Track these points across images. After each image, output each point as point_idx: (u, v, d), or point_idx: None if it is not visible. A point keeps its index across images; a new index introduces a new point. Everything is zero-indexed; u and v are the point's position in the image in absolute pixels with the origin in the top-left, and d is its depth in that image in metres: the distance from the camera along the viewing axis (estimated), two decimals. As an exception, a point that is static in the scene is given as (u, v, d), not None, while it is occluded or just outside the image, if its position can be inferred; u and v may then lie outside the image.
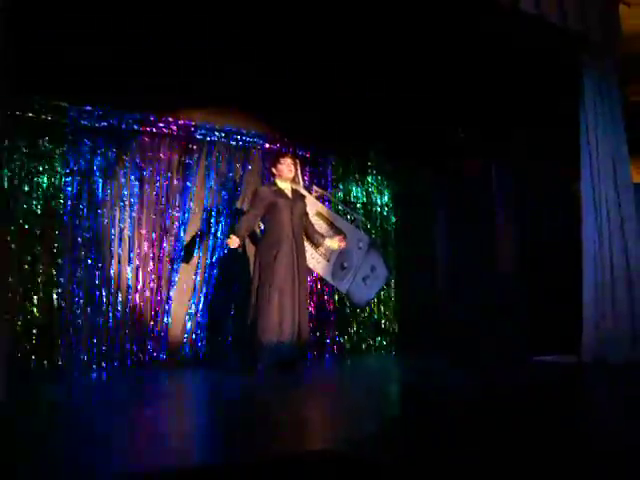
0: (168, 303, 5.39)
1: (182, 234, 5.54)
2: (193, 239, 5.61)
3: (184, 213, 5.57)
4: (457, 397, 3.38)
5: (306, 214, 4.87)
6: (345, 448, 2.04)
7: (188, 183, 5.62)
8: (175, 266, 5.47)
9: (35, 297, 4.82)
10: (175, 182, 5.57)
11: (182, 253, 5.53)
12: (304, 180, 6.12)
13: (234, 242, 4.41)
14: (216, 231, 5.72)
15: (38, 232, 4.88)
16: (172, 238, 5.49)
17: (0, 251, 2.87)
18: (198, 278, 5.58)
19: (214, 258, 5.67)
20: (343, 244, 5.00)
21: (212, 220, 5.72)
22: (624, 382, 3.99)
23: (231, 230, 4.58)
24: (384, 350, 6.64)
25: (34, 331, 4.76)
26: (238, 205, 5.87)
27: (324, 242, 4.91)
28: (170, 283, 5.42)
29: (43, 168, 4.98)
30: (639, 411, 2.84)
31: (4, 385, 2.78)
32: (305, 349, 4.55)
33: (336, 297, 6.43)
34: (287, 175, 4.67)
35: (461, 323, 6.14)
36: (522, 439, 2.23)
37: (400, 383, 4.57)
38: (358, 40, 5.10)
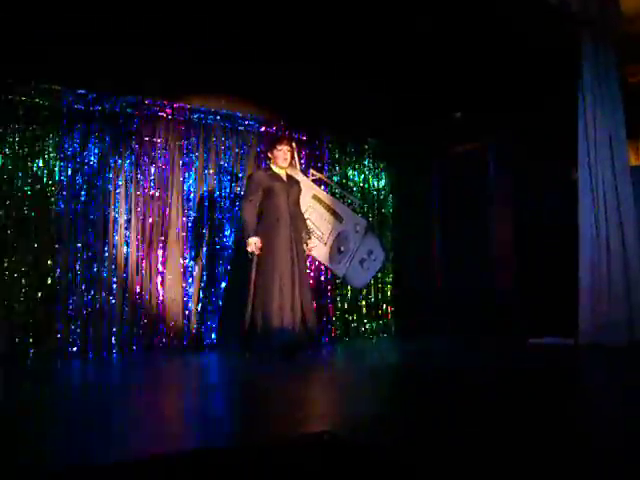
0: (166, 288, 5.39)
1: (179, 218, 5.52)
2: (192, 224, 5.59)
3: (181, 197, 5.55)
4: (454, 379, 3.40)
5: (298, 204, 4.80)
6: (343, 431, 2.05)
7: (184, 167, 5.60)
8: (174, 251, 5.46)
9: (31, 283, 4.80)
10: (171, 166, 5.54)
11: (181, 237, 5.51)
12: (301, 164, 6.09)
13: (257, 245, 4.37)
14: (214, 215, 5.71)
15: (33, 218, 4.86)
16: (169, 222, 5.47)
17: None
18: (198, 263, 5.57)
19: (213, 243, 5.65)
20: (311, 252, 4.93)
21: (214, 204, 5.71)
22: (620, 365, 4.01)
23: (244, 232, 4.46)
24: (381, 334, 6.65)
25: (32, 318, 4.75)
26: (236, 189, 5.84)
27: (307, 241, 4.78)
28: (169, 268, 5.42)
29: (38, 153, 4.94)
30: (634, 395, 2.85)
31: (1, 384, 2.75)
32: (312, 336, 4.53)
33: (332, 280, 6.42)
34: (281, 164, 4.62)
35: (457, 306, 6.16)
36: (519, 422, 2.24)
37: (397, 366, 4.59)
38: (354, 22, 5.06)
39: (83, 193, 5.11)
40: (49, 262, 4.90)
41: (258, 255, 4.39)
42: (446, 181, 6.63)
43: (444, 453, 1.82)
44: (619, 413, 2.46)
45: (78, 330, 4.93)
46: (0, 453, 1.92)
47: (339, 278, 6.22)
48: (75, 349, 4.89)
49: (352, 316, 6.52)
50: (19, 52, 4.52)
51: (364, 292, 6.60)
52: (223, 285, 5.63)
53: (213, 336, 5.52)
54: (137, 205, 5.35)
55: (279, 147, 4.62)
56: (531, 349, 4.95)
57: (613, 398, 2.86)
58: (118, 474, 1.67)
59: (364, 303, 6.64)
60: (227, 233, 5.75)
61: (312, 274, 6.20)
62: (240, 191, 5.77)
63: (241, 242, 5.48)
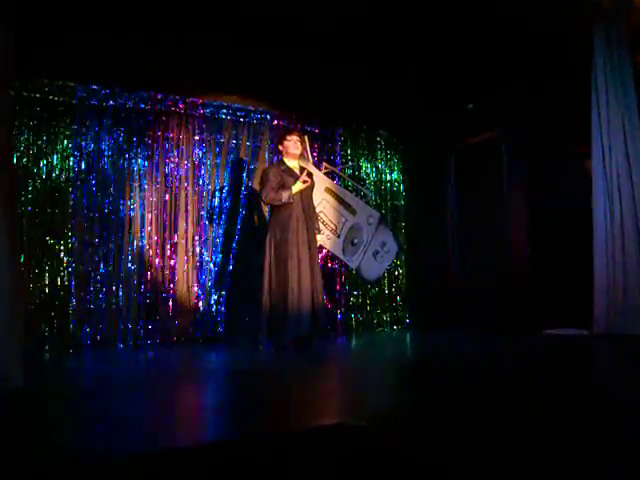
0: (180, 281, 5.43)
1: (193, 212, 5.56)
2: (205, 217, 5.62)
3: (194, 191, 5.59)
4: (470, 371, 3.40)
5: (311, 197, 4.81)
6: (358, 422, 2.06)
7: (197, 161, 5.63)
8: (188, 244, 5.49)
9: (47, 278, 4.86)
10: (184, 160, 5.57)
11: (194, 231, 5.55)
12: (313, 156, 6.10)
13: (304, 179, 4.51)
14: (227, 208, 5.73)
15: (48, 213, 4.91)
16: (183, 216, 5.51)
17: (11, 233, 2.85)
18: (210, 256, 5.60)
19: (226, 236, 5.68)
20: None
21: (223, 197, 5.73)
22: (635, 355, 3.98)
23: (282, 199, 4.47)
24: (395, 326, 6.65)
25: (46, 313, 4.82)
26: (247, 181, 5.86)
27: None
28: (183, 261, 5.46)
29: (52, 149, 5.00)
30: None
31: (21, 371, 2.78)
32: (321, 325, 4.56)
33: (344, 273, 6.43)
34: (293, 152, 4.63)
35: (472, 298, 6.14)
36: (535, 416, 2.23)
37: (412, 358, 4.60)
38: (368, 12, 5.03)
39: (97, 188, 5.16)
40: (64, 257, 4.95)
41: (272, 248, 4.42)
42: (460, 172, 6.58)
43: (460, 447, 1.83)
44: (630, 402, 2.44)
45: (93, 324, 5.00)
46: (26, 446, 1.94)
47: (353, 270, 6.23)
48: (89, 342, 4.95)
49: (365, 308, 6.52)
50: (33, 49, 4.55)
51: (377, 284, 6.59)
52: (237, 278, 5.65)
53: (226, 328, 5.55)
54: (151, 199, 5.39)
55: (289, 137, 4.64)
56: (547, 341, 4.93)
57: (631, 390, 2.84)
58: (133, 466, 1.68)
59: (377, 295, 6.63)
60: (240, 226, 5.76)
61: (325, 265, 6.22)
62: (251, 184, 5.79)
63: (255, 236, 5.54)
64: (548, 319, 5.21)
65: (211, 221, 5.65)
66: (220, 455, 1.76)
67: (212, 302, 5.55)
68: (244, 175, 5.85)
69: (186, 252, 5.50)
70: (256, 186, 5.52)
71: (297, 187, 4.48)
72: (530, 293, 5.53)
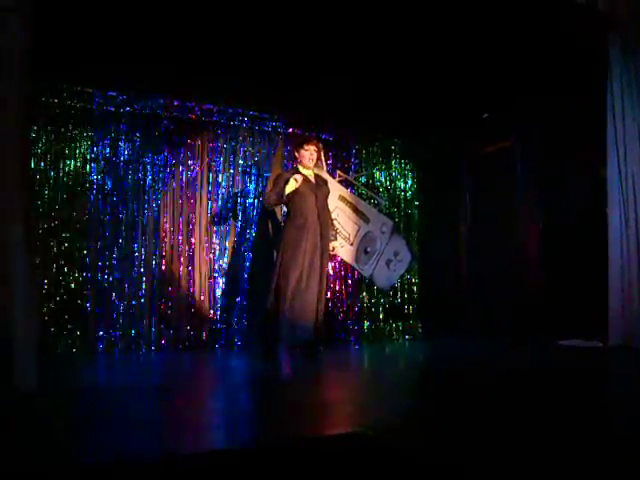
0: (194, 287, 5.45)
1: (207, 218, 5.59)
2: (219, 223, 5.65)
3: (209, 197, 5.61)
4: (481, 381, 3.37)
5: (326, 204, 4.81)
6: (371, 431, 2.05)
7: (212, 167, 5.67)
8: (201, 249, 5.52)
9: (62, 282, 4.90)
10: (200, 167, 5.60)
11: (209, 237, 5.57)
12: (327, 164, 6.10)
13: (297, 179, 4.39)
14: (241, 215, 5.75)
15: (65, 217, 4.96)
16: (197, 222, 5.53)
17: (27, 236, 2.88)
18: (222, 262, 5.62)
19: (240, 242, 5.69)
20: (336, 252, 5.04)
21: (238, 204, 5.75)
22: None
23: (278, 200, 4.45)
24: (407, 334, 6.62)
25: (60, 316, 4.86)
26: (262, 188, 5.87)
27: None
28: (197, 266, 5.48)
29: (69, 154, 5.05)
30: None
31: (34, 373, 2.79)
32: (322, 332, 4.54)
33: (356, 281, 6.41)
34: (307, 164, 4.60)
35: (484, 308, 6.10)
36: (546, 425, 2.21)
37: (424, 367, 4.57)
38: (380, 19, 5.03)
39: (114, 193, 5.20)
40: (79, 261, 4.99)
41: (284, 254, 4.40)
42: (474, 181, 6.56)
43: (470, 453, 1.81)
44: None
45: (107, 328, 5.03)
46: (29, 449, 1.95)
47: (365, 279, 6.21)
48: (103, 346, 4.99)
49: (377, 317, 6.50)
50: (52, 56, 4.59)
51: (390, 293, 6.57)
52: (250, 285, 5.66)
53: (234, 335, 5.55)
54: (166, 205, 5.43)
55: (306, 147, 4.61)
56: (560, 351, 4.88)
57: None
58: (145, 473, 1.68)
59: (389, 304, 6.61)
60: (253, 233, 5.77)
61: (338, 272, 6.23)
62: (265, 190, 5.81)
63: (267, 242, 5.55)
64: (562, 327, 5.16)
65: (226, 227, 5.67)
66: (226, 463, 1.75)
67: (226, 308, 5.56)
68: (259, 182, 5.87)
69: (201, 258, 5.52)
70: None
71: (290, 187, 4.41)
72: (544, 302, 5.48)
